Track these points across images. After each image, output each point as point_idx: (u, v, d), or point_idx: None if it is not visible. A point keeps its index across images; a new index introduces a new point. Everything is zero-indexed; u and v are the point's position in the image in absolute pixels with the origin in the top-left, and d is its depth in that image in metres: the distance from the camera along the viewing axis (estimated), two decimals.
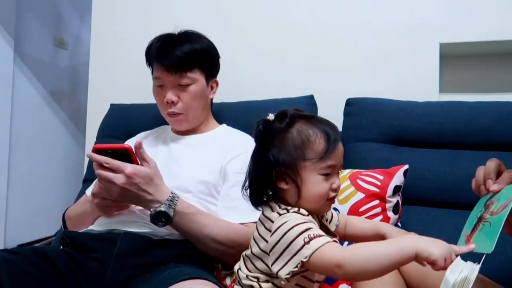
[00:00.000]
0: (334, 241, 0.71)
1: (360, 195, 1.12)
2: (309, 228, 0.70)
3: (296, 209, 0.76)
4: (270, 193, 0.81)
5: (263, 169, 0.78)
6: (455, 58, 1.58)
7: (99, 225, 1.04)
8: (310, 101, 1.44)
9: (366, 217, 1.10)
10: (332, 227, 0.90)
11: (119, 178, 0.91)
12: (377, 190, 1.11)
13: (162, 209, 0.93)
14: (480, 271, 0.64)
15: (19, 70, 2.60)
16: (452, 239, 1.10)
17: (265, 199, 0.81)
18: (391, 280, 0.84)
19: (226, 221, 1.02)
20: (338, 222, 0.92)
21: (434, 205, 1.22)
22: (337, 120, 1.40)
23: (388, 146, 1.29)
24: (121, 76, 1.83)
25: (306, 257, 0.67)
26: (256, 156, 0.81)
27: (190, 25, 1.26)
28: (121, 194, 0.93)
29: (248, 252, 0.81)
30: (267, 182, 0.78)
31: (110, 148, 0.92)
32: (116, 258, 0.91)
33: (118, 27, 1.86)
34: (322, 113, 1.45)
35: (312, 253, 0.67)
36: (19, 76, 2.60)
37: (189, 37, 1.17)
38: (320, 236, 0.69)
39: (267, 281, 0.76)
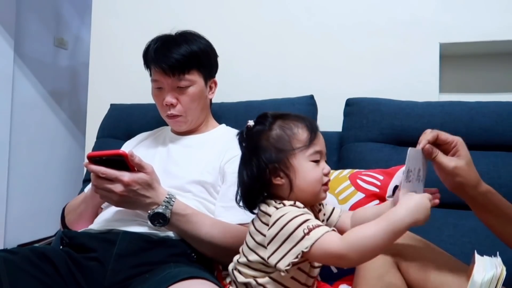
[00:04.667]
0: (334, 230, 0.74)
1: (360, 195, 1.12)
2: (308, 220, 0.73)
3: (292, 202, 0.78)
4: (265, 194, 0.83)
5: (257, 171, 0.80)
6: (455, 58, 1.58)
7: (98, 225, 1.04)
8: (310, 101, 1.44)
9: None
10: (333, 223, 0.92)
11: (117, 187, 0.92)
12: (377, 190, 1.11)
13: (159, 210, 0.94)
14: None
15: (19, 70, 2.60)
16: (452, 239, 1.10)
17: (260, 200, 0.83)
18: (391, 279, 0.84)
19: (223, 221, 1.02)
20: (339, 216, 0.93)
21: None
22: (337, 120, 1.41)
23: (388, 146, 1.29)
24: (121, 76, 1.83)
25: (306, 247, 0.69)
26: (246, 163, 0.83)
27: (190, 25, 1.26)
28: (120, 201, 0.95)
29: (244, 247, 0.82)
30: (262, 183, 0.81)
31: (105, 155, 0.92)
32: (115, 258, 0.91)
33: (118, 27, 1.86)
34: (322, 113, 1.45)
35: (313, 244, 0.69)
36: (19, 76, 2.60)
37: (186, 38, 1.16)
38: (319, 226, 0.72)
39: (263, 277, 0.78)
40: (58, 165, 2.88)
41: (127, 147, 1.28)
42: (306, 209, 0.78)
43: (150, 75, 1.20)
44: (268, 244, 0.75)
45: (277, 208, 0.77)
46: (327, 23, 1.60)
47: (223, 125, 1.30)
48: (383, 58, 1.54)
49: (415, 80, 1.50)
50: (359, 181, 1.14)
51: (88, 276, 0.89)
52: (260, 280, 0.78)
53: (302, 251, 0.70)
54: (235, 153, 1.12)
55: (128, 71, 1.79)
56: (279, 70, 1.64)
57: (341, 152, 1.37)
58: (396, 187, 1.12)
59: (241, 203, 0.85)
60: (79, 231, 1.04)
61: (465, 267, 0.78)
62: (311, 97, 1.45)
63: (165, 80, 1.14)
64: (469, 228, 1.11)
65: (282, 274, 0.73)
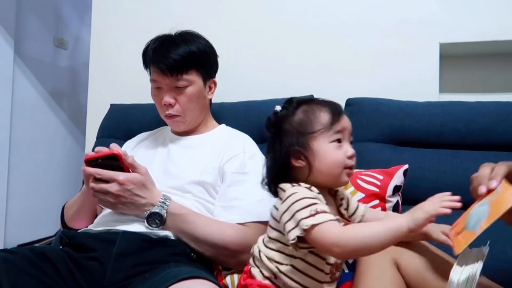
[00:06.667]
0: (338, 220, 0.75)
1: (360, 195, 1.12)
2: (316, 203, 0.74)
3: (308, 185, 0.79)
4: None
5: (280, 155, 0.82)
6: (455, 58, 1.58)
7: (98, 225, 1.04)
8: None
9: None
10: (356, 220, 0.90)
11: (113, 187, 0.94)
12: (377, 190, 1.11)
13: (155, 210, 0.96)
14: (481, 271, 0.64)
15: (19, 70, 2.60)
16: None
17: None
18: (391, 280, 0.84)
19: (220, 221, 1.03)
20: (363, 215, 0.90)
21: None
22: None
23: (388, 146, 1.29)
24: (121, 76, 1.83)
25: (307, 225, 0.71)
26: (271, 147, 0.86)
27: (190, 25, 1.26)
28: (116, 202, 0.96)
29: (268, 228, 0.84)
30: (284, 166, 0.82)
31: (100, 156, 0.95)
32: (115, 258, 0.91)
33: (118, 27, 1.86)
34: None
35: (316, 224, 0.71)
36: (19, 76, 2.60)
37: (185, 39, 1.16)
38: (325, 212, 0.73)
39: (286, 265, 0.79)
40: (58, 165, 2.88)
41: (127, 147, 1.28)
42: (319, 195, 0.78)
43: (149, 75, 1.21)
44: (280, 217, 0.77)
45: (292, 186, 0.79)
46: (327, 23, 1.60)
47: (223, 125, 1.30)
48: (383, 58, 1.53)
49: (415, 80, 1.50)
50: (359, 181, 1.14)
51: (88, 276, 0.89)
52: (282, 268, 0.79)
53: (304, 228, 0.72)
54: (234, 153, 1.12)
55: (128, 71, 1.79)
56: (279, 70, 1.64)
57: None
58: (396, 187, 1.12)
59: (265, 186, 0.87)
60: (78, 231, 1.04)
61: None
62: (311, 97, 1.44)
63: (164, 80, 1.14)
64: None
65: (290, 248, 0.76)
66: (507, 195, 0.66)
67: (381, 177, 1.13)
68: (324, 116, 0.82)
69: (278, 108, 0.87)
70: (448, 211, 0.70)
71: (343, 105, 1.39)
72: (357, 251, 0.74)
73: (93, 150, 1.54)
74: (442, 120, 1.25)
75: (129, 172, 0.96)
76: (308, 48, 1.61)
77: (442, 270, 0.83)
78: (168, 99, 1.15)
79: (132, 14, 1.85)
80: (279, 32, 1.65)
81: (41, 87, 2.78)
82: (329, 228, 0.71)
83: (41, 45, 2.79)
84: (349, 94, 1.42)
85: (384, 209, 1.10)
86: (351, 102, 1.39)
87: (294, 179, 0.82)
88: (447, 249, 0.91)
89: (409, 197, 1.20)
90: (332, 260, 0.80)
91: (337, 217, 0.75)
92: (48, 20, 2.84)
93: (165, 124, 1.28)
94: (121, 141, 1.37)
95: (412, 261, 0.85)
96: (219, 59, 1.27)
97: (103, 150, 0.97)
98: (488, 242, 0.67)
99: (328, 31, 1.60)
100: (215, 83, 1.26)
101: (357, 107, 1.37)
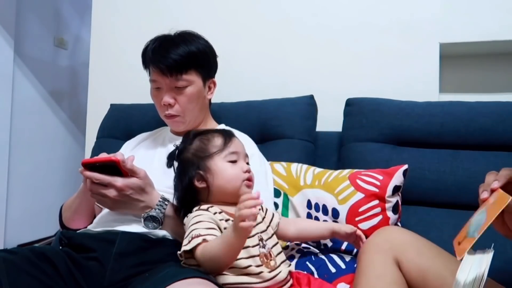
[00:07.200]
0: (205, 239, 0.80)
1: (359, 195, 1.12)
2: (195, 229, 0.82)
3: (206, 206, 0.88)
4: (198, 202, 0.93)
5: (186, 181, 0.93)
6: (455, 58, 1.58)
7: (96, 225, 1.04)
8: (310, 101, 1.44)
9: (365, 217, 1.10)
10: (273, 226, 0.99)
11: (111, 192, 0.94)
12: (377, 190, 1.11)
13: (153, 213, 0.96)
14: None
15: (19, 70, 2.60)
16: (452, 239, 1.10)
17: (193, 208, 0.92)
18: (392, 279, 0.84)
19: None
20: (278, 223, 1.00)
21: (434, 205, 1.22)
22: (337, 120, 1.41)
23: (388, 146, 1.29)
24: (121, 76, 1.83)
25: (185, 249, 0.81)
26: (177, 177, 0.97)
27: (190, 25, 1.26)
28: (114, 205, 0.97)
29: None
30: (190, 189, 0.93)
31: (99, 161, 0.94)
32: (115, 258, 0.91)
33: (118, 27, 1.86)
34: (322, 113, 1.45)
35: (190, 248, 0.80)
36: (19, 76, 2.60)
37: (185, 39, 1.16)
38: (199, 236, 0.80)
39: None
40: (58, 165, 2.88)
41: (127, 147, 1.28)
42: (218, 215, 0.86)
43: (149, 75, 1.21)
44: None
45: (192, 212, 0.88)
46: (327, 24, 1.60)
47: (223, 125, 1.30)
48: (383, 58, 1.54)
49: (415, 80, 1.50)
50: (358, 181, 1.14)
51: (87, 276, 0.89)
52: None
53: (180, 254, 0.83)
54: None
55: (128, 71, 1.79)
56: (279, 70, 1.64)
57: (341, 152, 1.37)
58: (395, 187, 1.12)
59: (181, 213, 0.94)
60: (77, 231, 1.04)
61: None
62: (311, 97, 1.45)
63: (163, 80, 1.14)
64: None
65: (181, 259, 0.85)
66: (498, 202, 0.69)
67: (380, 177, 1.13)
68: (217, 140, 0.94)
69: (177, 142, 0.99)
70: (251, 211, 0.72)
71: (343, 105, 1.41)
72: (215, 267, 0.81)
73: (93, 150, 1.56)
74: (442, 120, 1.25)
75: (128, 175, 0.95)
76: (308, 48, 1.62)
77: (444, 268, 0.83)
78: (167, 99, 1.15)
79: (132, 14, 1.85)
80: (279, 32, 1.65)
81: (41, 87, 2.78)
82: (197, 251, 0.80)
83: (41, 45, 2.79)
84: (349, 94, 1.42)
85: (383, 209, 1.10)
86: (351, 102, 1.39)
87: (199, 199, 0.93)
88: (448, 247, 0.92)
89: (409, 197, 1.20)
90: (252, 252, 0.85)
91: (204, 237, 0.80)
92: (48, 20, 2.84)
93: (165, 124, 1.28)
94: (121, 141, 1.37)
95: (413, 259, 0.85)
96: (219, 59, 1.26)
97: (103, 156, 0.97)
98: (493, 244, 0.67)
99: (328, 31, 1.60)
100: (214, 83, 1.26)
101: (357, 107, 1.37)
